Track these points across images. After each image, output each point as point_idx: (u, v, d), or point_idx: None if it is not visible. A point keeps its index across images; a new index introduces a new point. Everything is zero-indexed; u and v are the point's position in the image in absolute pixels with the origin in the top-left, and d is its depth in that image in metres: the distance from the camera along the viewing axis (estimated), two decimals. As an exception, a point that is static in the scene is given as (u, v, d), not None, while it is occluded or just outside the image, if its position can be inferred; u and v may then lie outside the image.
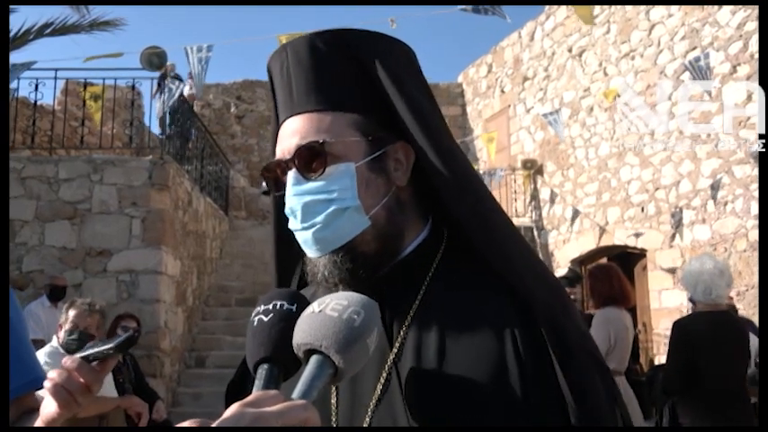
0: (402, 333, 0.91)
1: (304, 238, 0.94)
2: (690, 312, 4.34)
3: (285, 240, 1.05)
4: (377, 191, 0.94)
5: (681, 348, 3.64)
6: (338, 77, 0.97)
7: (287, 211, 0.95)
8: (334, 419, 0.91)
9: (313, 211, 0.92)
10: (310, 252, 0.95)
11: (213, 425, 0.66)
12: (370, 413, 0.88)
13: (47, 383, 0.98)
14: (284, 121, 0.98)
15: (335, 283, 0.93)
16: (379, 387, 0.88)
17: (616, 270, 4.63)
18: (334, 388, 0.92)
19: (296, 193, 0.93)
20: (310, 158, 0.92)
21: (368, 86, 0.96)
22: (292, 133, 0.95)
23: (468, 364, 0.86)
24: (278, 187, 0.98)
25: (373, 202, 0.93)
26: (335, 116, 0.94)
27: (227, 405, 1.06)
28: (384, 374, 0.89)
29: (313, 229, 0.92)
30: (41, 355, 3.64)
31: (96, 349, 1.01)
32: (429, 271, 0.96)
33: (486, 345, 0.87)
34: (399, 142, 0.96)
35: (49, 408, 1.00)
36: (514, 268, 0.91)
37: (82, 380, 0.97)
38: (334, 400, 0.92)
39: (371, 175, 0.94)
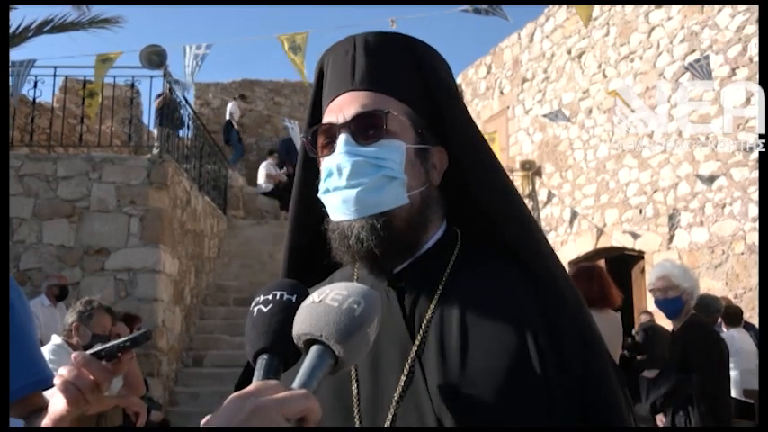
0: (423, 326, 0.92)
1: (345, 196, 0.94)
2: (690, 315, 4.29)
3: (303, 225, 1.07)
4: (418, 176, 0.97)
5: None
6: (400, 72, 1.01)
7: (331, 167, 0.95)
8: (356, 412, 0.91)
9: (362, 172, 0.93)
10: (346, 213, 0.94)
11: (213, 413, 0.66)
12: (394, 405, 0.88)
13: (56, 380, 0.97)
14: (338, 95, 1.00)
15: (370, 247, 0.92)
16: (403, 379, 0.89)
17: (599, 271, 4.50)
18: (355, 380, 0.93)
19: (347, 152, 0.94)
20: (368, 126, 0.95)
21: (421, 90, 1.00)
22: (351, 102, 0.97)
23: (491, 357, 0.88)
24: (320, 151, 0.99)
25: (414, 184, 0.96)
26: (395, 101, 0.98)
27: None
28: (407, 367, 0.90)
29: (359, 188, 0.93)
30: (45, 352, 3.62)
31: (108, 345, 1.00)
32: (447, 267, 0.98)
33: (509, 337, 0.89)
34: (438, 147, 1.01)
35: (57, 405, 0.99)
36: (549, 269, 0.96)
37: (91, 377, 0.97)
38: (355, 392, 0.92)
39: (417, 161, 0.97)
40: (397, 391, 0.89)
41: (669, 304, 3.94)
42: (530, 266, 0.94)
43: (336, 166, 0.94)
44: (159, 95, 8.93)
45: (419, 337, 0.92)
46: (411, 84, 1.00)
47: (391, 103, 0.97)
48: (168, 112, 8.79)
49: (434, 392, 0.86)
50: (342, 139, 0.95)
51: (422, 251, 0.99)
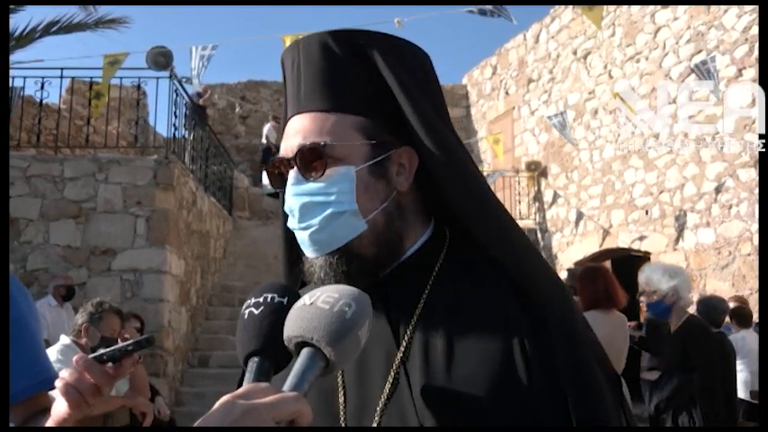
0: (408, 333, 0.91)
1: (301, 238, 0.95)
2: (692, 314, 4.29)
3: (293, 237, 1.06)
4: (376, 195, 0.94)
5: None
6: (347, 78, 0.96)
7: (286, 209, 0.96)
8: (342, 419, 0.90)
9: (310, 213, 0.92)
10: (307, 252, 0.95)
11: (204, 417, 0.66)
12: (379, 413, 0.87)
13: (58, 383, 0.97)
14: (290, 118, 0.98)
15: (331, 283, 0.91)
16: (388, 387, 0.88)
17: (604, 272, 4.50)
18: (341, 388, 0.92)
19: (295, 193, 0.93)
20: (311, 159, 0.92)
21: (377, 89, 0.95)
22: (296, 132, 0.95)
23: (475, 363, 0.86)
24: (281, 183, 0.98)
25: (372, 206, 0.93)
26: (340, 117, 0.94)
27: None
28: (392, 375, 0.89)
29: (309, 231, 0.93)
30: (53, 352, 3.63)
31: (110, 348, 1.01)
32: (432, 271, 0.96)
33: (494, 343, 0.86)
34: (404, 147, 0.96)
35: (59, 408, 0.99)
36: (530, 274, 0.92)
37: (92, 380, 0.96)
38: (341, 400, 0.91)
39: (371, 180, 0.94)
40: (382, 399, 0.88)
41: (653, 307, 4.14)
42: (511, 273, 0.91)
43: (288, 208, 0.95)
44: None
45: (404, 344, 0.90)
46: (365, 87, 0.95)
47: (336, 121, 0.94)
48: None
49: (418, 400, 0.85)
50: (290, 177, 0.94)
51: (406, 256, 0.97)
